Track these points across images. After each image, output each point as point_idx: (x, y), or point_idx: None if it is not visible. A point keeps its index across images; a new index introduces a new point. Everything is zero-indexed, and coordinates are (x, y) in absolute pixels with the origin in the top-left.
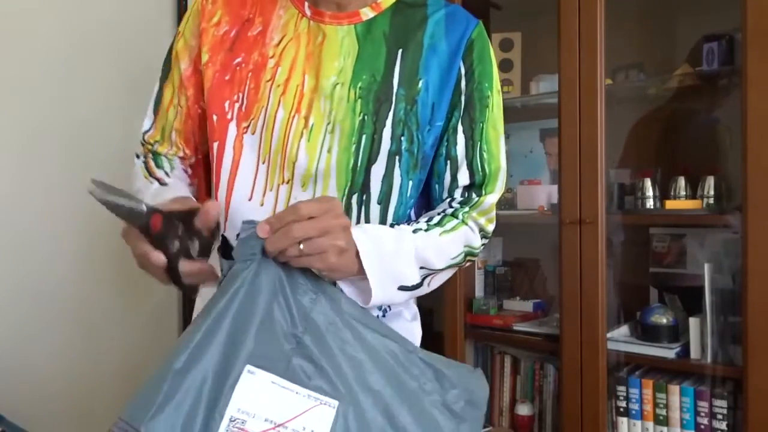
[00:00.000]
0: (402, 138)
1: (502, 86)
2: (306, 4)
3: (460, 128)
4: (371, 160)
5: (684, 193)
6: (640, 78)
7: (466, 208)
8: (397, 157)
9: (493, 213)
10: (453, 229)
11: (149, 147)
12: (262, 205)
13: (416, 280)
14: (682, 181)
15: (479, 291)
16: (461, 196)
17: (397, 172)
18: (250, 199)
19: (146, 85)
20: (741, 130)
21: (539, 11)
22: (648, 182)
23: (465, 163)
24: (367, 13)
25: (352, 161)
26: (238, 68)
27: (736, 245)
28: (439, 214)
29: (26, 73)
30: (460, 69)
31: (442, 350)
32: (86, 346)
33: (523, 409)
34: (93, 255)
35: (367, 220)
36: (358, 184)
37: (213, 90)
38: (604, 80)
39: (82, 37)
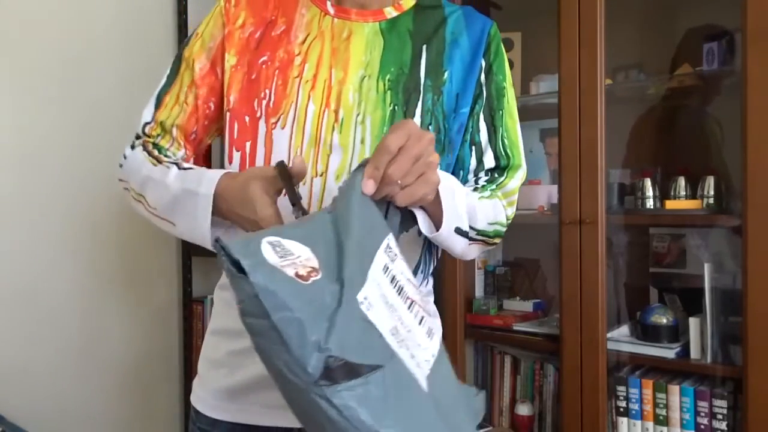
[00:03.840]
0: (429, 126)
1: None
2: (328, 2)
3: (481, 116)
4: None
5: (684, 193)
6: (640, 78)
7: (493, 186)
8: None
9: (515, 197)
10: (488, 197)
11: (151, 139)
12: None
13: (467, 228)
14: (682, 181)
15: (479, 291)
16: (486, 175)
17: None
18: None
19: (147, 85)
20: (741, 130)
21: (539, 11)
22: (648, 182)
23: (489, 147)
24: (391, 12)
25: None
26: (264, 66)
27: (736, 245)
28: (469, 187)
29: (26, 73)
30: (481, 63)
31: None
32: (86, 346)
33: (523, 409)
34: (93, 255)
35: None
36: None
37: (242, 92)
38: (604, 80)
39: (82, 38)
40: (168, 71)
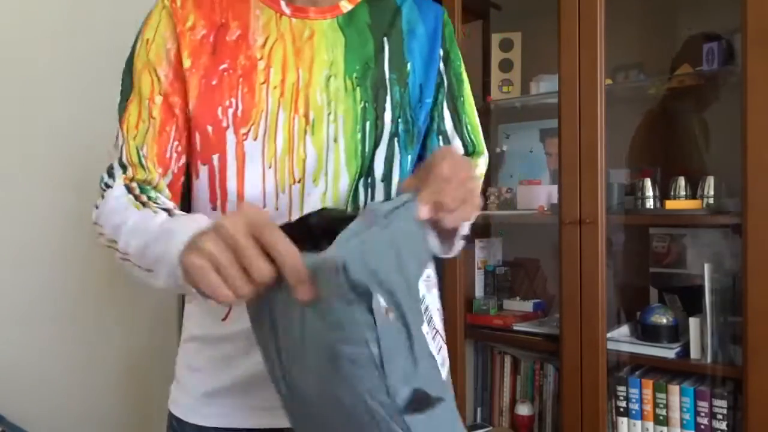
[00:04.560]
0: (399, 120)
1: (501, 86)
2: (282, 2)
3: (445, 105)
4: (377, 144)
5: (684, 193)
6: (640, 78)
7: None
8: (396, 138)
9: (481, 183)
10: None
11: (128, 177)
12: (277, 209)
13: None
14: (682, 181)
15: (479, 291)
16: None
17: (396, 150)
18: (263, 206)
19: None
20: (741, 130)
21: (539, 11)
22: (648, 182)
23: (456, 135)
24: (346, 6)
25: (360, 147)
26: (225, 74)
27: (736, 245)
28: None
29: (23, 73)
30: (439, 52)
31: None
32: (86, 346)
33: (523, 409)
34: (93, 255)
35: (373, 199)
36: (365, 168)
37: (201, 98)
38: (604, 80)
39: (82, 38)
40: (120, 89)
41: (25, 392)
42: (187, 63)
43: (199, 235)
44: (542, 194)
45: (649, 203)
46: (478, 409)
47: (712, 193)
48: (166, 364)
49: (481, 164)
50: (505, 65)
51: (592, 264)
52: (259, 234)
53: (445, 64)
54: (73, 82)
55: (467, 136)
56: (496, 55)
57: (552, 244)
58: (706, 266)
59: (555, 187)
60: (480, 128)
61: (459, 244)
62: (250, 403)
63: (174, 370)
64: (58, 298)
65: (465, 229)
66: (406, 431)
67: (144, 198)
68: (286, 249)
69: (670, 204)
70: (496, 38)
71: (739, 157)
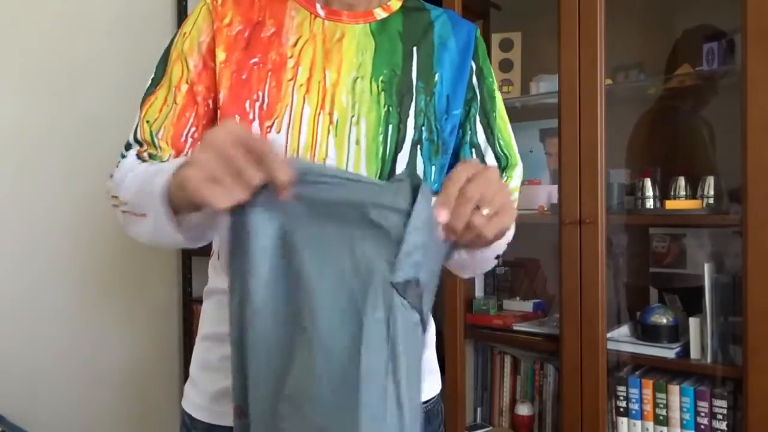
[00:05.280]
0: (423, 128)
1: (501, 86)
2: (317, 5)
3: (477, 119)
4: (398, 149)
5: (684, 193)
6: (640, 78)
7: None
8: (418, 146)
9: (516, 195)
10: None
11: (142, 150)
12: None
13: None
14: (682, 181)
15: (479, 291)
16: None
17: (419, 159)
18: None
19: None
20: (741, 130)
21: (539, 11)
22: (648, 182)
23: (489, 148)
24: (380, 13)
25: (381, 151)
26: (255, 67)
27: (737, 245)
28: None
29: (23, 75)
30: (471, 66)
31: (442, 350)
32: (86, 346)
33: (523, 409)
34: (93, 256)
35: None
36: (386, 173)
37: (231, 90)
38: (604, 80)
39: (81, 38)
40: (152, 76)
41: (25, 392)
42: (221, 57)
43: (190, 155)
44: (542, 194)
45: (649, 203)
46: (478, 409)
47: (712, 193)
48: (166, 364)
49: (515, 176)
50: (505, 65)
51: (592, 264)
52: (245, 144)
53: (478, 80)
54: (72, 83)
55: (500, 150)
56: (496, 55)
57: (552, 244)
58: (706, 266)
59: (555, 187)
60: (513, 141)
61: (488, 261)
62: None
63: (174, 369)
64: (59, 299)
65: (500, 245)
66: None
67: (151, 161)
68: (272, 155)
69: (670, 204)
70: (496, 38)
71: (739, 157)
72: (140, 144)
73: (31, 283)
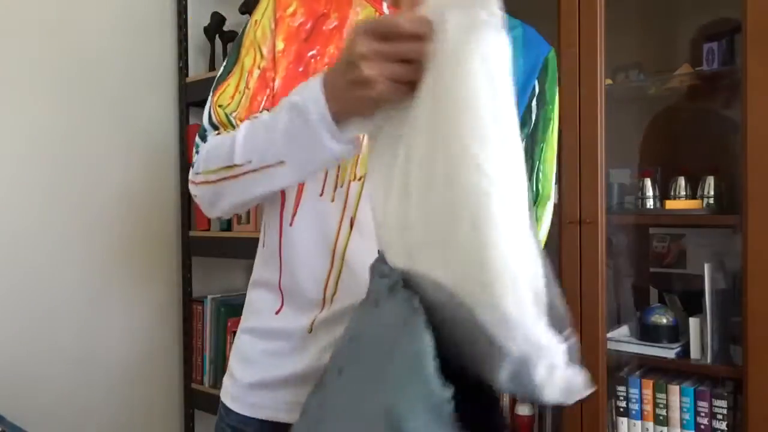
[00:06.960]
0: None
1: None
2: (384, 4)
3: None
4: None
5: (684, 193)
6: (640, 78)
7: None
8: None
9: (544, 237)
10: None
11: (221, 133)
12: (333, 201)
13: None
14: (682, 181)
15: None
16: None
17: None
18: (321, 195)
19: (147, 83)
20: (741, 130)
21: (539, 11)
22: (648, 182)
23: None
24: None
25: None
26: (312, 60)
27: (736, 245)
28: None
29: (28, 72)
30: (534, 87)
31: None
32: (86, 346)
33: (523, 409)
34: (93, 255)
35: None
36: None
37: (285, 80)
38: (604, 80)
39: (81, 38)
40: (224, 64)
41: (25, 392)
42: (280, 46)
43: (344, 55)
44: None
45: (649, 203)
46: None
47: (712, 193)
48: (167, 364)
49: (545, 217)
50: None
51: (592, 264)
52: (375, 33)
53: (538, 103)
54: (74, 80)
55: (535, 183)
56: None
57: (552, 244)
58: (706, 266)
59: (555, 187)
60: (553, 176)
61: None
62: (299, 400)
63: (174, 369)
64: (58, 298)
65: None
66: None
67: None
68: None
69: (670, 204)
70: None
71: (739, 157)
72: (215, 128)
73: (31, 284)
